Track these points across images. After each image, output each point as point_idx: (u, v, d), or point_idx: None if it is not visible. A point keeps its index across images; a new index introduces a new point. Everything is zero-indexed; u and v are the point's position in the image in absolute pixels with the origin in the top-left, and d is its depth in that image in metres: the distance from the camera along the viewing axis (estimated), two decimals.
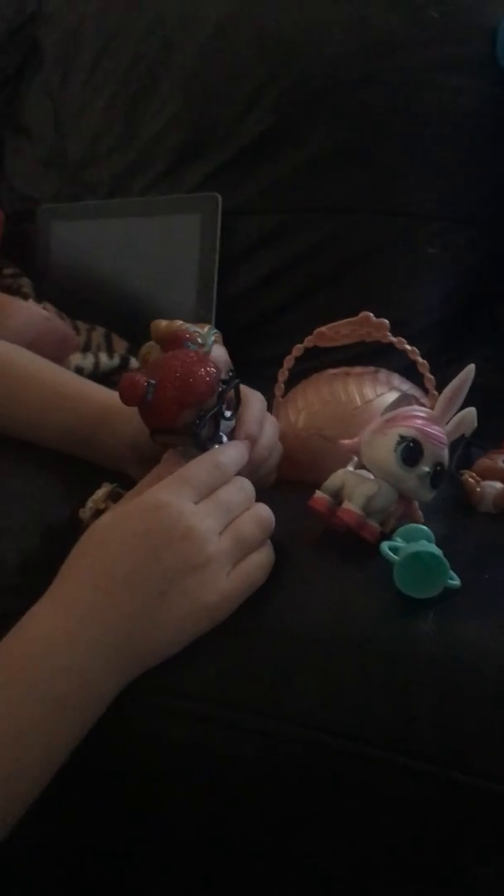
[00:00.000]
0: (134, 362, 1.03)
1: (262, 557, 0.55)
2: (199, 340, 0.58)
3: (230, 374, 0.60)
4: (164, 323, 0.58)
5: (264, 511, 0.57)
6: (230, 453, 0.58)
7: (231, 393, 0.59)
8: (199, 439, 0.56)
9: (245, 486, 0.57)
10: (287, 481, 0.70)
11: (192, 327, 0.58)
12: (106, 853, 0.55)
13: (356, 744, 0.49)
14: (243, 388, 0.63)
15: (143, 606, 0.50)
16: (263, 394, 0.79)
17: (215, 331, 0.60)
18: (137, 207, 1.16)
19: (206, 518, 0.53)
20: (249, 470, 0.61)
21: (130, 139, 1.19)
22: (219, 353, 0.60)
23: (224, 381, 0.58)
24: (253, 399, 0.65)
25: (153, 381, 0.54)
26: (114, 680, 0.50)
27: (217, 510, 0.54)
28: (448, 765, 0.47)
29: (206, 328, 0.59)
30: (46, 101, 1.28)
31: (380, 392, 0.72)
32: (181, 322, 0.58)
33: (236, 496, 0.56)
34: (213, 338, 0.59)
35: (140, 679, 0.51)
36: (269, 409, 0.79)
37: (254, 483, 0.62)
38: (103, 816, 0.54)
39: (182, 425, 0.56)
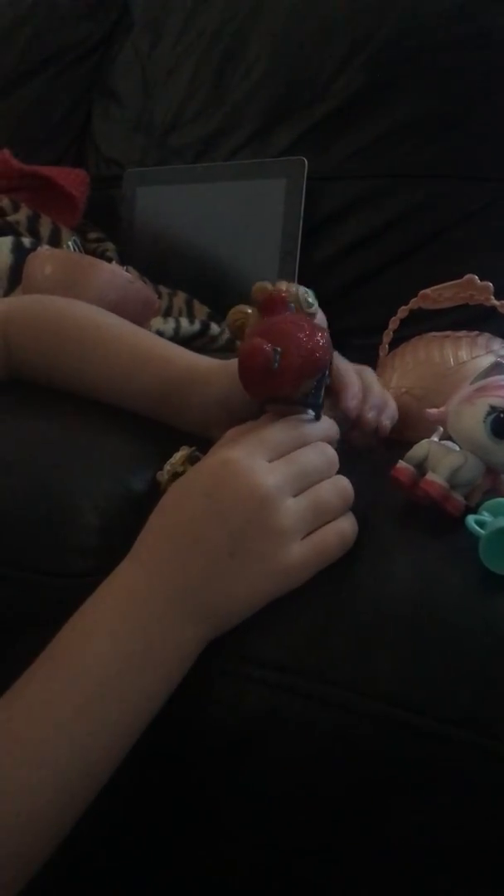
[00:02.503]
0: (215, 328, 1.03)
1: (343, 527, 0.53)
2: (310, 300, 0.56)
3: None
4: (270, 286, 0.56)
5: (346, 481, 0.54)
6: (316, 421, 0.55)
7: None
8: (317, 408, 0.55)
9: (327, 452, 0.54)
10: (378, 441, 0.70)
11: (301, 288, 0.55)
12: (176, 821, 0.55)
13: (436, 722, 0.47)
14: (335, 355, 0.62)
15: (212, 566, 0.50)
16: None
17: (313, 292, 0.58)
18: (222, 172, 1.15)
19: (277, 476, 0.51)
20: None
21: (217, 103, 1.18)
22: (321, 316, 0.58)
23: None
24: (348, 368, 0.64)
25: (279, 349, 0.52)
26: (192, 639, 0.50)
27: (290, 470, 0.52)
28: None
29: (310, 290, 0.56)
30: (135, 65, 1.29)
31: (475, 355, 0.71)
32: (287, 283, 0.56)
33: (315, 460, 0.53)
34: (315, 301, 0.57)
35: (218, 645, 0.51)
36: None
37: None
38: (174, 784, 0.54)
39: (300, 395, 0.54)
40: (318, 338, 0.53)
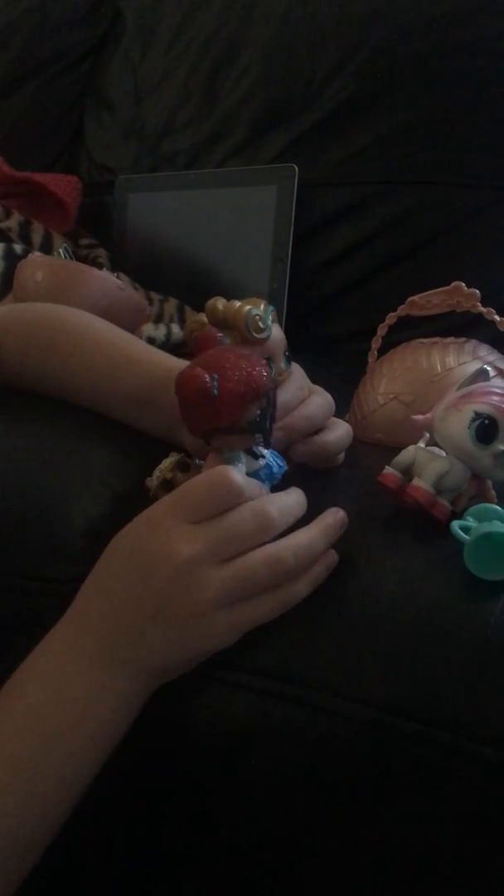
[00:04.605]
0: None
1: (272, 604, 0.50)
2: (261, 324, 0.55)
3: (286, 353, 0.59)
4: (221, 304, 0.56)
5: (285, 551, 0.50)
6: (243, 478, 0.51)
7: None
8: (266, 434, 0.53)
9: (263, 513, 0.50)
10: (367, 447, 0.71)
11: (253, 309, 0.55)
12: (161, 827, 0.55)
13: (421, 726, 0.48)
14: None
15: (137, 626, 0.49)
16: (340, 370, 0.79)
17: (272, 309, 0.57)
18: (214, 179, 1.16)
19: (195, 545, 0.48)
20: (287, 439, 0.57)
21: (209, 110, 1.19)
22: (277, 332, 0.57)
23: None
24: (294, 373, 0.61)
25: (216, 375, 0.50)
26: (132, 691, 0.50)
27: (214, 535, 0.49)
28: None
29: (262, 306, 0.56)
30: (127, 72, 1.29)
31: (462, 361, 0.71)
32: (240, 303, 0.55)
33: (246, 524, 0.49)
34: (271, 317, 0.57)
35: None
36: (357, 380, 0.79)
37: (314, 462, 0.60)
38: (163, 790, 0.54)
39: (246, 423, 0.52)
40: (255, 363, 0.52)
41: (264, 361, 0.53)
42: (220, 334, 0.55)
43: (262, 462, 0.54)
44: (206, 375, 0.50)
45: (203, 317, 0.57)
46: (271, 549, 0.50)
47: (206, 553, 0.49)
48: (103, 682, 0.49)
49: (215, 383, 0.50)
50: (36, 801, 0.47)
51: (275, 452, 0.55)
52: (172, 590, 0.48)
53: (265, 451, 0.54)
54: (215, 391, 0.50)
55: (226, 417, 0.51)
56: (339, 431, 0.62)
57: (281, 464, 0.55)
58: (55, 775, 0.47)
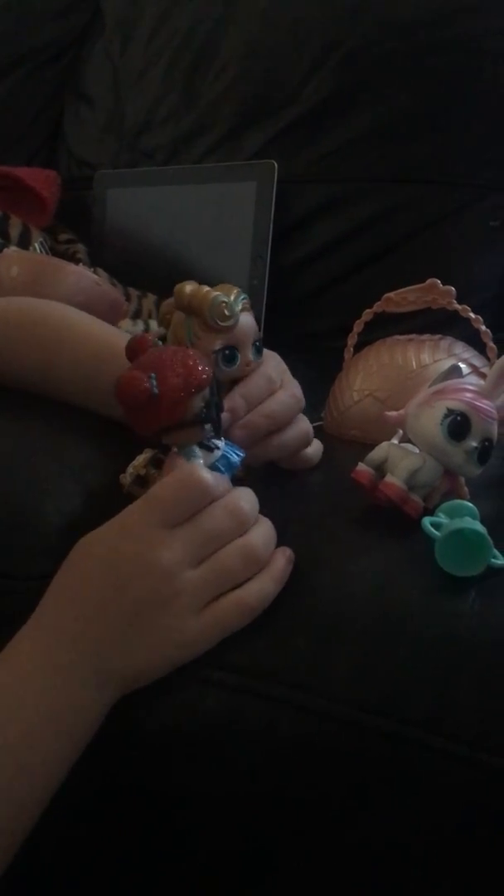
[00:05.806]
0: None
1: (242, 596, 0.51)
2: (226, 312, 0.55)
3: (257, 343, 0.58)
4: (188, 288, 0.56)
5: (256, 539, 0.52)
6: (211, 475, 0.52)
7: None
8: (216, 424, 0.53)
9: (236, 509, 0.51)
10: (341, 443, 0.71)
11: (220, 296, 0.55)
12: (133, 825, 0.55)
13: (392, 723, 0.48)
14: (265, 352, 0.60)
15: (112, 634, 0.49)
16: (319, 366, 0.79)
17: (244, 297, 0.57)
18: (193, 174, 1.16)
19: (174, 550, 0.49)
20: (249, 438, 0.57)
21: (189, 105, 1.18)
22: (246, 320, 0.57)
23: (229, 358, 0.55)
24: (266, 365, 0.60)
25: (153, 374, 0.50)
26: (97, 703, 0.49)
27: (192, 538, 0.50)
28: (487, 748, 0.46)
29: (234, 294, 0.56)
30: (107, 67, 1.28)
31: (437, 358, 0.72)
32: (208, 289, 0.55)
33: (221, 522, 0.51)
34: (240, 305, 0.56)
35: None
36: (335, 376, 0.79)
37: (285, 462, 0.59)
38: (130, 792, 0.54)
39: (192, 416, 0.52)
40: (192, 357, 0.52)
41: (201, 354, 0.53)
42: (151, 337, 0.55)
43: (217, 454, 0.54)
44: (144, 376, 0.51)
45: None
46: (241, 540, 0.51)
47: (186, 556, 0.50)
48: (73, 693, 0.48)
49: (154, 382, 0.50)
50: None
51: (229, 442, 0.56)
52: (151, 597, 0.49)
53: (219, 443, 0.54)
54: (155, 389, 0.50)
55: (170, 414, 0.51)
56: (293, 432, 0.62)
57: (239, 453, 0.55)
58: (17, 794, 0.47)
